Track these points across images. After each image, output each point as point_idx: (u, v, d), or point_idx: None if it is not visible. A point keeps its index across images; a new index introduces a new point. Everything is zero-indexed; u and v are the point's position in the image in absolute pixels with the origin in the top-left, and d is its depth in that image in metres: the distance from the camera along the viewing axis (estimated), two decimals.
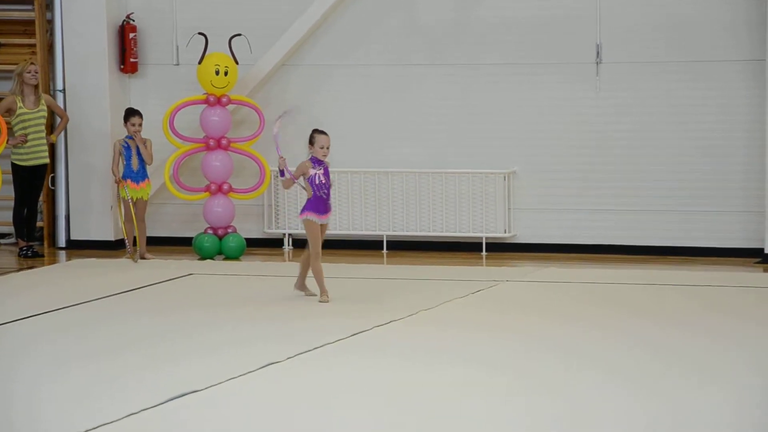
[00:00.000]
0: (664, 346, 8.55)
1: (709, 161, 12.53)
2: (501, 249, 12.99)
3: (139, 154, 12.64)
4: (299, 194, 13.45)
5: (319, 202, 10.11)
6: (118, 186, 12.60)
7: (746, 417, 6.92)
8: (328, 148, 10.12)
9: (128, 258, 12.59)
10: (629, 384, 7.57)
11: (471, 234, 13.03)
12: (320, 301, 10.20)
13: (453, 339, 8.85)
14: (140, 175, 12.67)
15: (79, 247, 13.43)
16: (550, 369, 7.96)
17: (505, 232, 12.98)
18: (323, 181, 10.07)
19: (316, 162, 10.10)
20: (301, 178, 10.16)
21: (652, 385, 7.52)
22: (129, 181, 12.61)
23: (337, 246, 13.35)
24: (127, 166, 12.65)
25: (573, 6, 12.68)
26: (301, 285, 10.41)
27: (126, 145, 12.66)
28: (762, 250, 12.29)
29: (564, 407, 7.11)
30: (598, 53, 12.67)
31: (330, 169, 13.23)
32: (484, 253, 12.96)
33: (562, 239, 12.88)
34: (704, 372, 7.86)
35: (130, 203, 12.55)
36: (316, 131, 10.17)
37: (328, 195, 10.15)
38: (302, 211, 10.23)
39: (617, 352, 8.40)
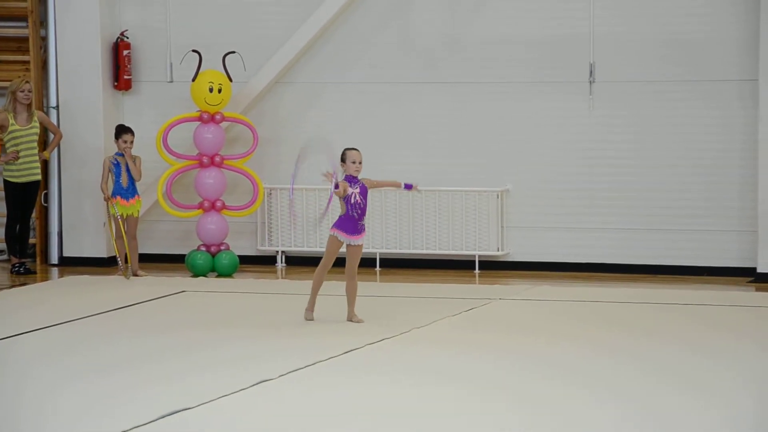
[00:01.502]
0: (658, 364, 8.54)
1: (702, 180, 12.55)
2: (494, 267, 12.99)
3: (129, 170, 12.64)
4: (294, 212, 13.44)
5: (349, 222, 9.88)
6: (107, 203, 12.59)
7: None
8: (360, 162, 9.89)
9: (120, 275, 12.58)
10: (624, 402, 7.56)
11: (464, 252, 13.03)
12: (306, 318, 10.13)
13: (445, 357, 8.83)
14: (130, 192, 12.67)
15: (71, 264, 13.40)
16: (543, 387, 7.95)
17: (498, 250, 12.98)
18: (358, 201, 9.85)
19: (352, 180, 9.90)
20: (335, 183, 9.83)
21: (646, 403, 7.51)
22: (119, 197, 12.62)
23: None
24: (117, 182, 12.65)
25: (567, 25, 12.72)
26: (351, 314, 10.10)
27: (116, 162, 12.67)
28: (755, 269, 12.30)
29: (558, 426, 7.09)
30: (591, 72, 12.70)
31: (325, 186, 13.28)
32: (477, 271, 12.96)
33: (555, 257, 12.88)
34: (699, 389, 7.85)
35: (120, 220, 12.56)
36: (346, 149, 9.98)
37: (360, 216, 9.89)
38: (333, 225, 10.00)
39: (611, 370, 8.39)
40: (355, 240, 9.94)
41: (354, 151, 9.94)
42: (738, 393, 7.78)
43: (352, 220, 9.90)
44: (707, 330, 9.80)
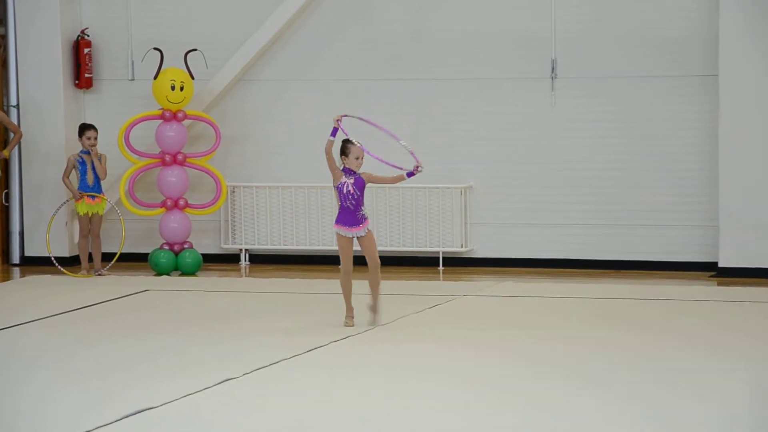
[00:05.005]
0: (626, 353, 8.61)
1: (663, 176, 12.61)
2: (458, 264, 13.01)
3: (94, 169, 12.58)
4: (256, 210, 13.41)
5: (345, 214, 9.66)
6: (75, 201, 12.54)
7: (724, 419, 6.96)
8: (362, 158, 9.67)
9: (83, 275, 12.53)
10: (597, 389, 7.61)
11: (428, 248, 13.04)
12: (345, 325, 9.74)
13: (410, 353, 8.84)
14: (95, 191, 12.61)
15: (33, 264, 13.32)
16: (512, 379, 7.98)
17: (461, 247, 13.00)
18: (351, 191, 9.61)
19: (348, 172, 9.67)
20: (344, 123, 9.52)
21: (615, 388, 7.58)
22: (84, 196, 12.56)
23: (294, 261, 13.33)
24: (82, 181, 12.59)
25: (528, 21, 12.75)
26: (373, 306, 9.77)
27: (81, 160, 12.60)
28: (716, 263, 12.38)
29: (528, 416, 7.12)
30: (553, 68, 12.74)
31: (289, 184, 13.28)
32: (441, 267, 12.97)
33: (519, 254, 12.91)
34: (669, 374, 7.93)
35: (87, 219, 12.54)
36: (348, 141, 9.69)
37: (356, 207, 9.63)
38: (334, 221, 9.77)
39: (582, 361, 8.43)
40: (357, 231, 9.70)
41: (357, 146, 9.67)
42: (720, 379, 7.86)
43: (348, 212, 9.66)
44: (669, 321, 9.87)
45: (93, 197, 12.59)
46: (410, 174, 9.75)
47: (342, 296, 9.83)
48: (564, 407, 7.34)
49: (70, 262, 13.17)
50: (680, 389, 7.71)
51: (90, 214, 12.61)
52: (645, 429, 6.89)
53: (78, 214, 12.65)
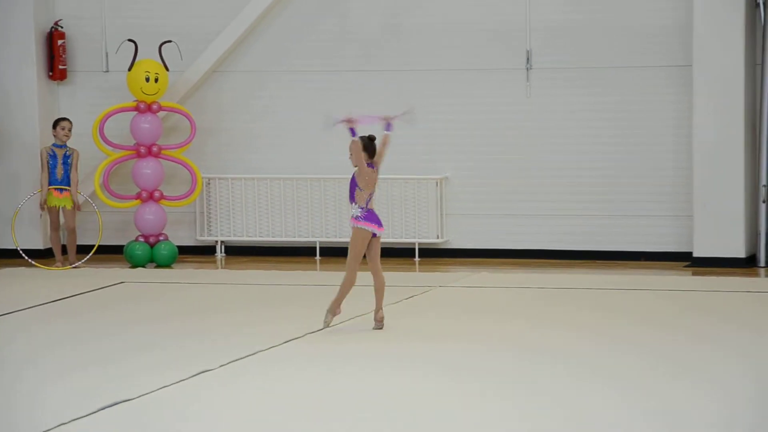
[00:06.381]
0: (608, 338, 8.68)
1: (638, 166, 12.66)
2: (433, 255, 13.03)
3: (64, 163, 12.54)
4: (232, 201, 13.40)
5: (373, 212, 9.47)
6: (43, 197, 12.49)
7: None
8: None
9: (57, 267, 12.49)
10: (573, 374, 7.66)
11: (403, 240, 13.05)
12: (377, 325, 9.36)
13: (386, 344, 8.86)
14: (63, 184, 12.56)
15: (6, 257, 13.26)
16: (488, 368, 8.01)
17: (437, 238, 13.02)
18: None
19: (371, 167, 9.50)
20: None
21: (601, 373, 7.63)
22: (52, 189, 12.51)
23: (270, 253, 13.32)
24: (52, 174, 12.54)
25: (503, 12, 12.76)
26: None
27: (52, 153, 12.55)
28: (691, 253, 12.43)
29: (512, 402, 7.15)
30: (528, 59, 12.76)
31: (265, 176, 13.28)
32: (416, 258, 12.99)
33: (494, 244, 12.94)
34: (652, 359, 7.99)
35: (56, 211, 12.50)
36: (372, 139, 9.48)
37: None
38: (363, 219, 9.52)
39: (556, 348, 8.47)
40: (381, 231, 9.53)
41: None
42: (707, 366, 7.92)
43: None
44: (646, 309, 9.92)
45: (61, 191, 12.54)
46: (388, 127, 9.51)
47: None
48: (545, 391, 7.37)
49: (45, 255, 13.13)
50: (664, 373, 7.75)
51: (58, 207, 12.57)
52: (637, 411, 6.93)
53: (47, 205, 12.59)
